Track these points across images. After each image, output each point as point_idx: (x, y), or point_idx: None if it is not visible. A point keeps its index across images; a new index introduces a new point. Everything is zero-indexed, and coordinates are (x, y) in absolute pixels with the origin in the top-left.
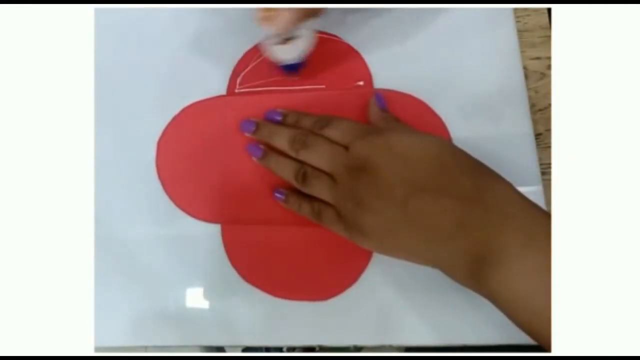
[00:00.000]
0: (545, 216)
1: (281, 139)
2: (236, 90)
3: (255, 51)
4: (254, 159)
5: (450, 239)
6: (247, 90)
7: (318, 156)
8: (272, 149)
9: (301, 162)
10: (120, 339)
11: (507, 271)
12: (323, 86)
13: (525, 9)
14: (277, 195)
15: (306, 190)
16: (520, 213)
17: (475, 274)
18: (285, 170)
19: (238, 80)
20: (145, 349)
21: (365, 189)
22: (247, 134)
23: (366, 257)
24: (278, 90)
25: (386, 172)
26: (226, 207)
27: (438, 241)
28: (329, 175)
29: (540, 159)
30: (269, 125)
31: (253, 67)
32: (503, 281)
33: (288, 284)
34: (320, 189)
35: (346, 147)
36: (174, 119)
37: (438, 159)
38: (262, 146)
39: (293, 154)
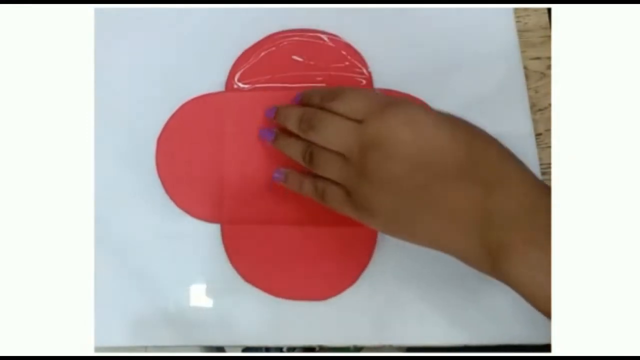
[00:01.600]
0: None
1: (292, 120)
2: (234, 87)
3: (255, 48)
4: (269, 143)
5: (473, 228)
6: (246, 86)
7: (326, 136)
8: (284, 131)
9: (310, 142)
10: (120, 339)
11: (527, 261)
12: (323, 85)
13: (525, 9)
14: (276, 175)
15: (315, 170)
16: (542, 198)
17: (495, 261)
18: (292, 151)
19: (237, 77)
20: (145, 349)
21: (381, 167)
22: (271, 120)
23: (366, 257)
24: (277, 87)
25: (407, 151)
26: (226, 206)
27: (460, 229)
28: (340, 154)
29: (540, 159)
30: (284, 108)
31: (252, 63)
32: (522, 270)
33: (288, 284)
34: (329, 168)
35: (360, 121)
36: (173, 115)
37: (462, 140)
38: (274, 129)
39: (302, 135)
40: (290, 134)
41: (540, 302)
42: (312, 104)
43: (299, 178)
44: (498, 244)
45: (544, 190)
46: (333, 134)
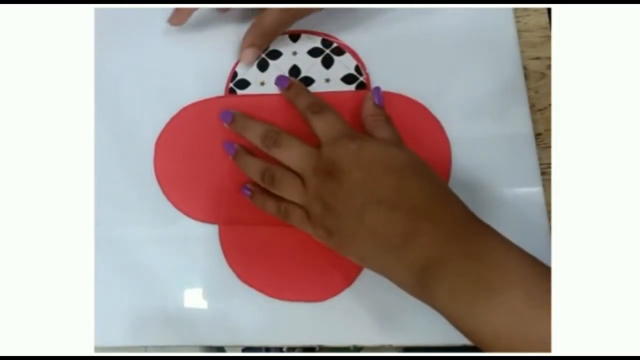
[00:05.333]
0: (490, 232)
1: (254, 134)
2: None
3: None
4: (230, 157)
5: (396, 250)
6: (244, 91)
7: (288, 155)
8: (245, 146)
9: (271, 161)
10: (120, 339)
11: (450, 284)
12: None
13: (525, 9)
14: (245, 191)
15: (274, 191)
16: (467, 229)
17: (422, 285)
18: (252, 171)
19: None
20: (145, 349)
21: (330, 193)
22: (225, 125)
23: None
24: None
25: (350, 180)
26: (223, 207)
27: (386, 250)
28: (298, 176)
29: (540, 159)
30: (244, 118)
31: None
32: (446, 294)
33: (284, 285)
34: (288, 190)
35: (320, 146)
36: (172, 119)
37: (399, 173)
38: (236, 145)
39: (265, 150)
40: (249, 146)
41: (459, 322)
42: (296, 103)
43: (263, 197)
44: (419, 262)
45: (471, 216)
46: (294, 154)
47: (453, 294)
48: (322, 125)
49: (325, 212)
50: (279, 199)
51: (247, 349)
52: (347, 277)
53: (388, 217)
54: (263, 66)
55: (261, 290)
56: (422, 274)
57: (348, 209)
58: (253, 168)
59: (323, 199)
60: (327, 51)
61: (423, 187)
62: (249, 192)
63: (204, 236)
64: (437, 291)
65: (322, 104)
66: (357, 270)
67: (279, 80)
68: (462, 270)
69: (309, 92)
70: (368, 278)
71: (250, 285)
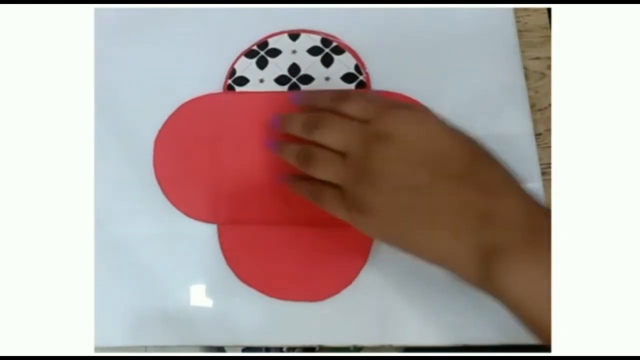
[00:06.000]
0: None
1: (295, 124)
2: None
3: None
4: (273, 152)
5: (467, 229)
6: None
7: (332, 134)
8: (288, 138)
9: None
10: (120, 339)
11: (516, 270)
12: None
13: (525, 9)
14: (284, 180)
15: (309, 171)
16: (533, 217)
17: (484, 270)
18: (288, 153)
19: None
20: (145, 349)
21: (381, 161)
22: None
23: (363, 257)
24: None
25: (413, 148)
26: (223, 207)
27: (455, 230)
28: (340, 154)
29: (540, 159)
30: (288, 115)
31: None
32: (511, 280)
33: (284, 285)
34: (326, 167)
35: (367, 122)
36: (171, 116)
37: (470, 149)
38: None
39: (307, 137)
40: (293, 140)
41: (531, 314)
42: (320, 106)
43: (296, 179)
44: (493, 245)
45: (544, 210)
46: (338, 131)
47: (518, 281)
48: (356, 107)
49: (368, 185)
50: (313, 180)
51: (247, 349)
52: (347, 276)
53: (462, 197)
54: (262, 64)
55: (261, 290)
56: (486, 259)
57: (406, 182)
58: (290, 150)
59: (369, 172)
60: (327, 50)
61: (493, 169)
62: (284, 178)
63: (203, 236)
64: (501, 277)
65: (345, 92)
66: (355, 271)
67: (293, 98)
68: (530, 258)
69: (325, 91)
70: (368, 278)
71: (250, 285)
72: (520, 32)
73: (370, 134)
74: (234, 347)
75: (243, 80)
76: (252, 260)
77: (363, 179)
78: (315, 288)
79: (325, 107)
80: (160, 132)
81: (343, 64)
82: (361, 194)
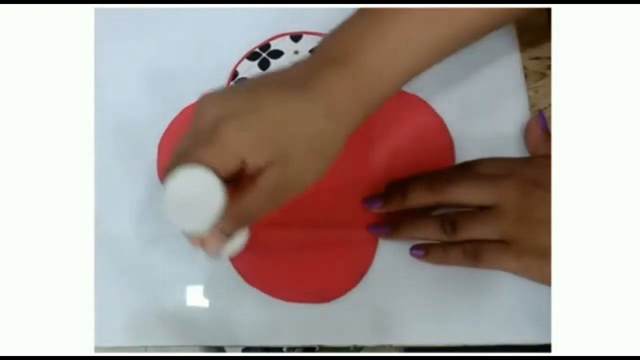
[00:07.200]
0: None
1: (429, 230)
2: None
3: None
4: (384, 237)
5: None
6: None
7: (468, 190)
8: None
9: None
10: (120, 339)
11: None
12: None
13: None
14: (415, 252)
15: (461, 236)
16: None
17: None
18: (429, 229)
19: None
20: (145, 349)
21: (541, 205)
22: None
23: (368, 260)
24: None
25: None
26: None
27: None
28: (486, 209)
29: None
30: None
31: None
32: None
33: (289, 287)
34: (477, 225)
35: (503, 176)
36: (175, 120)
37: None
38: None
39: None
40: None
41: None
42: (414, 204)
43: (439, 248)
44: None
45: None
46: (481, 193)
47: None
48: (490, 169)
49: (537, 230)
50: (460, 243)
51: (247, 349)
52: (350, 279)
53: None
54: (264, 65)
55: (264, 291)
56: None
57: None
58: (427, 225)
59: (531, 215)
60: None
61: None
62: (420, 252)
63: None
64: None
65: (446, 172)
66: (360, 273)
67: (369, 203)
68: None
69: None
70: (370, 279)
71: (253, 286)
72: (520, 32)
73: (519, 182)
74: (234, 347)
75: None
76: (257, 262)
77: (526, 225)
78: (320, 290)
79: (420, 204)
80: (164, 135)
81: None
82: (529, 239)
